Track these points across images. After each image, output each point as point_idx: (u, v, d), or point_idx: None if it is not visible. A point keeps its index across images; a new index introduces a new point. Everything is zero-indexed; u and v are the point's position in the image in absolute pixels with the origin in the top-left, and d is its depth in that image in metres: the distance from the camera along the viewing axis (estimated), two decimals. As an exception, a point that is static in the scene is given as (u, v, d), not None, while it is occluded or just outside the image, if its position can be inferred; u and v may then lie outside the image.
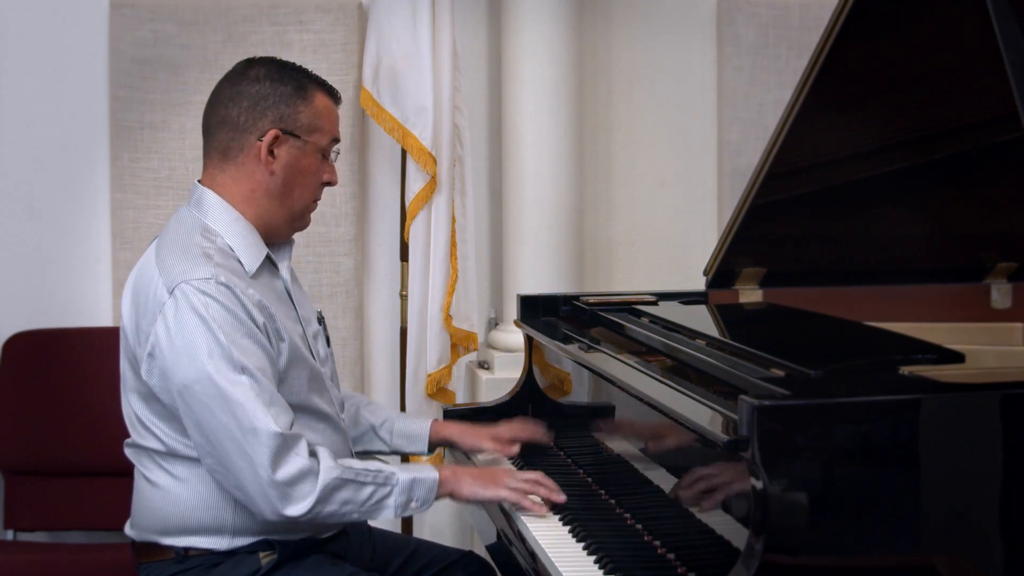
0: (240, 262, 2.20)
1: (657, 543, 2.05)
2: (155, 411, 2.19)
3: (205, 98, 3.84)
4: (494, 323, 3.92)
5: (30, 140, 3.75)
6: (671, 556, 1.99)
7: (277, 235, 2.30)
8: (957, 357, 2.02)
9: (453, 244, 3.65)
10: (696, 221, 4.03)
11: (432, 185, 3.59)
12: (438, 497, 2.24)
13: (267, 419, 2.07)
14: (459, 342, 3.68)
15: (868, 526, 1.70)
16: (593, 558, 2.04)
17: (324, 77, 2.35)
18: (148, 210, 3.75)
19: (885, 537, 1.71)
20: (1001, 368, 2.52)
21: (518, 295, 3.00)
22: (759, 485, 1.67)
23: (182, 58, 3.73)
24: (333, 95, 2.33)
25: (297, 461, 2.09)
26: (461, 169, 3.69)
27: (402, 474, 2.20)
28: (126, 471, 2.34)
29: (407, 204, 3.62)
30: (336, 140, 2.32)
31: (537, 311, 2.96)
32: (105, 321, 3.78)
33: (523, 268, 3.74)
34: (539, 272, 3.71)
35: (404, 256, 3.70)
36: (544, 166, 3.72)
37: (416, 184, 3.60)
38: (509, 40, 3.75)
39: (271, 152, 2.23)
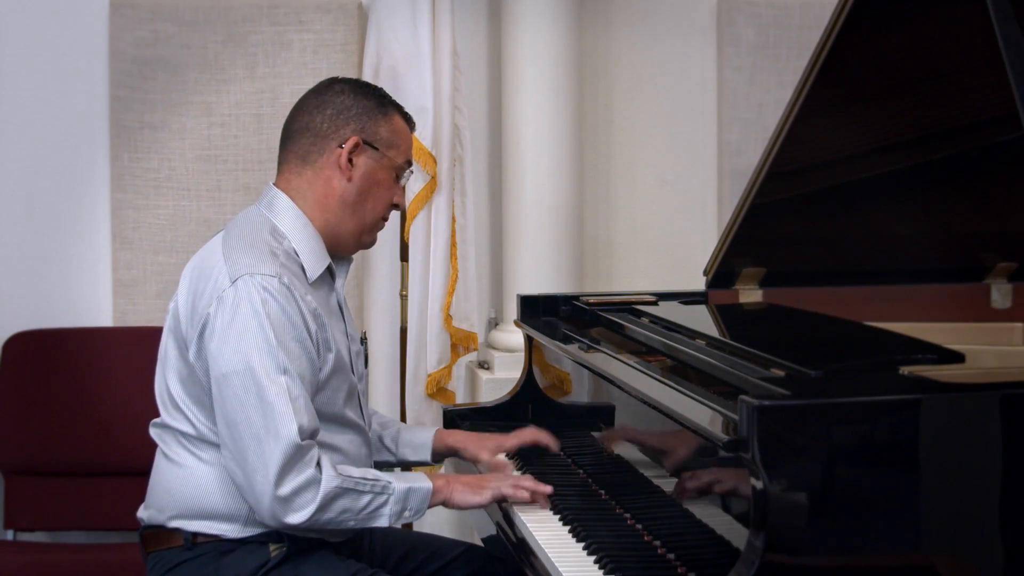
0: (303, 268, 2.24)
1: (657, 543, 2.05)
2: (191, 394, 2.22)
3: (205, 98, 3.85)
4: (494, 323, 3.92)
5: (30, 140, 3.75)
6: (671, 556, 1.99)
7: (343, 248, 2.35)
8: (957, 357, 2.02)
9: (453, 244, 3.65)
10: (696, 221, 4.03)
11: (432, 185, 3.60)
12: (431, 506, 2.26)
13: (292, 425, 2.10)
14: (459, 342, 3.68)
15: (868, 526, 1.70)
16: (593, 558, 2.04)
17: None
18: (148, 210, 3.75)
19: (885, 537, 1.71)
20: (1001, 368, 2.52)
21: (518, 295, 3.00)
22: (759, 485, 1.67)
23: (182, 58, 3.73)
24: (408, 120, 2.39)
25: (305, 472, 2.11)
26: (461, 169, 3.70)
27: (398, 484, 2.21)
28: (127, 470, 2.35)
29: (407, 204, 3.62)
30: (409, 163, 2.38)
31: (537, 311, 2.96)
32: (105, 321, 3.78)
33: (523, 268, 3.74)
34: (539, 272, 3.71)
35: (404, 256, 3.70)
36: (544, 166, 3.72)
37: (416, 184, 3.60)
38: (509, 40, 3.75)
39: (350, 160, 2.28)
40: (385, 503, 2.19)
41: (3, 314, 3.70)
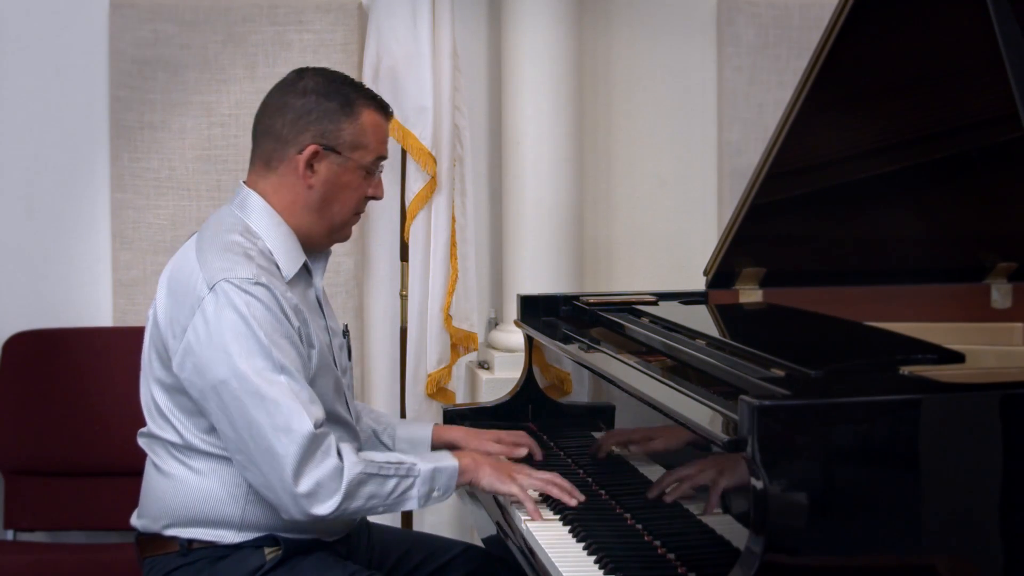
0: (278, 266, 2.21)
1: (657, 543, 2.05)
2: (178, 404, 2.19)
3: (205, 98, 3.85)
4: (494, 323, 3.92)
5: (30, 140, 3.75)
6: (671, 556, 1.99)
7: (316, 246, 2.33)
8: (957, 357, 2.02)
9: (453, 244, 3.65)
10: (696, 221, 4.03)
11: (432, 185, 3.60)
12: (459, 486, 2.24)
13: (303, 418, 2.07)
14: (459, 342, 3.68)
15: (868, 526, 1.70)
16: (593, 558, 2.04)
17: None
18: (148, 210, 3.75)
19: (885, 537, 1.71)
20: (1001, 368, 2.52)
21: (518, 295, 3.00)
22: (759, 485, 1.67)
23: (182, 58, 3.73)
24: (384, 110, 2.33)
25: (325, 462, 2.09)
26: (461, 169, 3.70)
27: (423, 464, 2.19)
28: (126, 471, 2.35)
29: (407, 204, 3.63)
30: (382, 157, 2.33)
31: (537, 311, 2.95)
32: (105, 321, 3.78)
33: (523, 268, 3.74)
34: (539, 272, 3.71)
35: (404, 256, 3.71)
36: (544, 166, 3.72)
37: (416, 184, 3.60)
38: (509, 40, 3.75)
39: (310, 167, 2.24)
40: (412, 486, 2.17)
41: (3, 314, 3.70)
